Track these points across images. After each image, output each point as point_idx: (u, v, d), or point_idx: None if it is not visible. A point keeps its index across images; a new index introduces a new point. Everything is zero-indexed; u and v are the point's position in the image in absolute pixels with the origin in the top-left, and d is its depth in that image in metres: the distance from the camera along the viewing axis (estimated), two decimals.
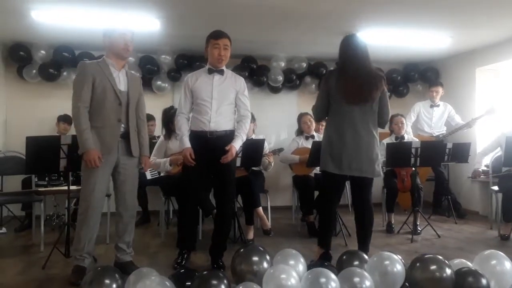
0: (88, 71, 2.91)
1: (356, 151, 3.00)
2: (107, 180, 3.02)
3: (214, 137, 3.11)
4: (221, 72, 3.19)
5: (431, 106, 5.54)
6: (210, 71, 3.18)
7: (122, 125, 2.99)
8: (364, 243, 3.12)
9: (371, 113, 3.08)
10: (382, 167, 4.77)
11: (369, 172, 3.05)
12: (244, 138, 3.25)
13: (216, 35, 3.14)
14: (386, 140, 4.70)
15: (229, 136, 3.18)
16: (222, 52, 3.11)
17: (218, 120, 3.12)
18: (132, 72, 3.24)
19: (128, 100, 3.01)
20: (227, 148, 3.09)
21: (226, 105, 3.17)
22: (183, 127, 3.16)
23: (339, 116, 3.05)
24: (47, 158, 3.35)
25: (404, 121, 4.78)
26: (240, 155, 3.88)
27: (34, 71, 5.26)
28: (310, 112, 4.81)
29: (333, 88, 3.04)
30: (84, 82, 2.88)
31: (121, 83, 3.01)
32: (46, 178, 4.61)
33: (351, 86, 2.99)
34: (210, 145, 3.10)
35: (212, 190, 3.58)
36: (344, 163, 3.00)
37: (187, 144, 3.11)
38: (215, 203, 3.36)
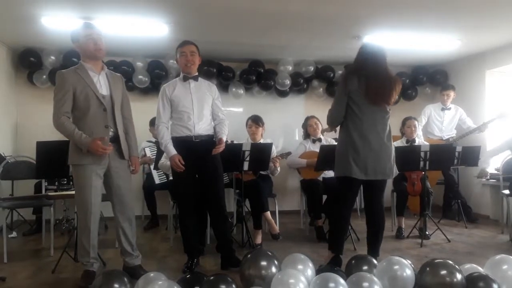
0: (67, 81, 2.83)
1: (380, 155, 2.99)
2: (100, 185, 2.98)
3: (199, 141, 3.25)
4: (195, 78, 3.33)
5: (442, 109, 5.50)
6: (185, 78, 3.30)
7: (111, 130, 2.95)
8: (374, 248, 3.10)
9: (388, 116, 3.08)
10: None
11: (390, 174, 3.06)
12: (225, 137, 3.41)
13: (181, 44, 3.30)
14: (397, 143, 4.65)
15: (211, 139, 3.33)
16: (189, 58, 3.25)
17: (201, 124, 3.28)
18: (113, 72, 3.14)
19: (112, 104, 2.97)
20: (218, 140, 3.26)
21: (206, 110, 3.32)
22: (166, 136, 3.25)
23: (359, 119, 2.99)
24: (57, 162, 3.38)
25: (417, 125, 4.73)
26: (247, 158, 3.90)
27: (44, 76, 5.33)
28: (317, 115, 4.84)
29: (355, 89, 2.98)
30: (64, 93, 2.83)
31: (103, 87, 2.96)
32: (56, 183, 4.65)
33: (375, 86, 2.96)
34: (195, 149, 3.23)
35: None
36: (369, 168, 2.97)
37: (173, 151, 3.21)
38: (207, 203, 3.42)
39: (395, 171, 3.12)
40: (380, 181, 3.06)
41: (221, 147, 3.27)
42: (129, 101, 3.18)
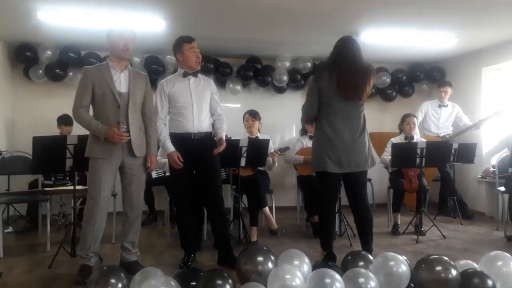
0: (89, 77, 2.98)
1: (354, 148, 3.00)
2: (112, 180, 3.04)
3: (198, 138, 3.24)
4: (195, 74, 3.32)
5: (439, 106, 5.51)
6: (185, 75, 3.28)
7: (124, 126, 2.98)
8: (366, 243, 3.10)
9: (362, 109, 3.08)
10: (387, 168, 4.79)
11: (366, 166, 3.07)
12: (224, 134, 3.40)
13: (190, 39, 3.26)
14: (396, 139, 4.67)
15: (209, 136, 3.33)
16: (198, 54, 3.26)
17: (200, 121, 3.26)
18: (138, 71, 3.24)
19: (128, 102, 3.01)
20: (218, 140, 3.28)
21: (205, 106, 3.31)
22: (164, 132, 3.25)
23: (332, 114, 3.01)
24: (54, 158, 3.38)
25: (416, 122, 4.74)
26: (244, 154, 3.90)
27: (41, 71, 5.30)
28: None
29: (325, 85, 2.99)
30: (84, 87, 2.97)
31: (122, 85, 3.02)
32: (52, 178, 4.64)
33: (345, 82, 2.96)
34: (194, 145, 3.22)
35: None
36: (344, 161, 2.99)
37: (172, 148, 3.21)
38: (206, 200, 3.43)
39: (375, 162, 3.14)
40: (358, 174, 3.07)
41: (222, 147, 3.27)
42: (152, 99, 3.23)
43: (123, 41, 2.99)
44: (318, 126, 3.13)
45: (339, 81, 2.95)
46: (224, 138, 3.31)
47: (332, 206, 3.18)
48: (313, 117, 3.13)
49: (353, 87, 2.97)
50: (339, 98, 2.97)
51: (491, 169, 4.61)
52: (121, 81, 3.03)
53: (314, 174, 4.47)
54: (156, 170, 4.71)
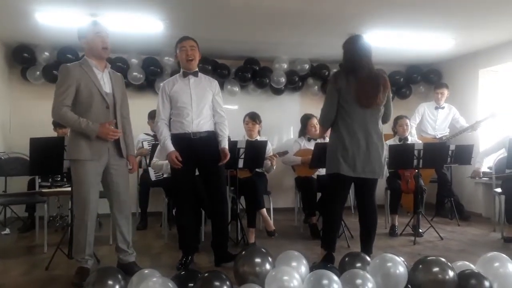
0: (72, 75, 2.83)
1: (369, 154, 3.00)
2: (99, 181, 2.99)
3: (197, 138, 3.22)
4: (195, 74, 3.30)
5: (436, 108, 5.53)
6: (185, 74, 3.28)
7: (112, 127, 2.94)
8: (367, 245, 3.12)
9: (380, 114, 3.09)
10: None
11: (380, 174, 3.07)
12: (227, 140, 3.37)
13: (181, 39, 3.27)
14: (390, 142, 4.69)
15: (210, 136, 3.29)
16: (189, 52, 3.22)
17: (200, 121, 3.23)
18: (114, 71, 3.16)
19: (114, 102, 2.99)
20: (222, 151, 3.24)
21: (205, 106, 3.28)
22: (164, 132, 3.24)
23: (349, 118, 3.01)
24: (51, 159, 3.37)
25: (409, 123, 4.76)
26: (242, 156, 3.90)
27: (38, 72, 5.29)
28: (314, 113, 4.82)
29: (343, 89, 3.00)
30: (68, 86, 2.81)
31: (106, 85, 2.97)
32: (50, 179, 4.62)
33: (364, 89, 2.96)
34: (194, 146, 3.20)
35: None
36: (358, 165, 2.99)
37: (171, 147, 3.20)
38: (210, 203, 3.41)
39: (386, 172, 3.13)
40: (370, 180, 3.08)
41: (226, 159, 3.25)
42: (127, 101, 3.20)
43: (100, 41, 2.91)
44: (334, 128, 3.12)
45: (358, 87, 2.96)
46: (227, 147, 3.28)
47: (339, 208, 3.18)
48: (332, 120, 3.09)
49: (370, 95, 2.97)
50: (357, 103, 2.98)
51: (481, 169, 4.62)
52: (104, 81, 2.97)
53: (312, 176, 4.56)
54: (154, 173, 4.69)
